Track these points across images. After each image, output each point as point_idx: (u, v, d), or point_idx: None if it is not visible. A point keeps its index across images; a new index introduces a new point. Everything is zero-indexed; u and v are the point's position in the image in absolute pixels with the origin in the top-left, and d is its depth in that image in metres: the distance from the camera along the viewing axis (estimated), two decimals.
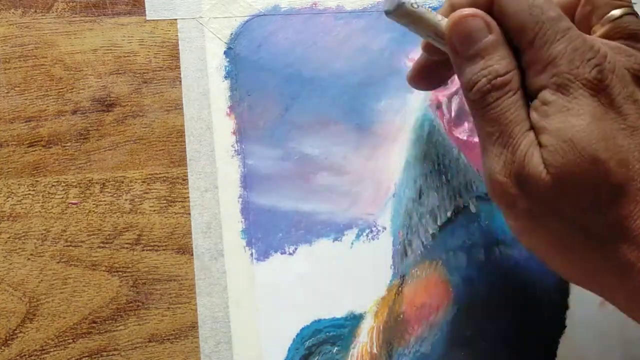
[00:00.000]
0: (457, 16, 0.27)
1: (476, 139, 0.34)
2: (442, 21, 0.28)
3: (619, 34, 0.27)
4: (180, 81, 0.33)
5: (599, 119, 0.24)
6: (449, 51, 0.28)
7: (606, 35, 0.27)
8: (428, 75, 0.32)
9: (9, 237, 0.30)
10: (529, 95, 0.26)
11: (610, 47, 0.26)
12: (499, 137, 0.26)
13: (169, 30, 0.34)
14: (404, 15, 0.28)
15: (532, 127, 0.25)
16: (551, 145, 0.24)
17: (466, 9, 0.27)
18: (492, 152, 0.26)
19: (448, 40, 0.27)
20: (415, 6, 0.28)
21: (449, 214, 0.34)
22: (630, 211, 0.24)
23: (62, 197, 0.31)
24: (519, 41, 0.26)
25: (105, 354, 0.30)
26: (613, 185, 0.24)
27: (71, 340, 0.30)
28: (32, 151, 0.31)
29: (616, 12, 0.27)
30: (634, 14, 0.27)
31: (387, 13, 0.28)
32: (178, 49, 0.33)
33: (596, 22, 0.28)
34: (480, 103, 0.26)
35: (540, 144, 0.25)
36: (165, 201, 0.32)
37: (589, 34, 0.28)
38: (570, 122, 0.24)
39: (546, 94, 0.25)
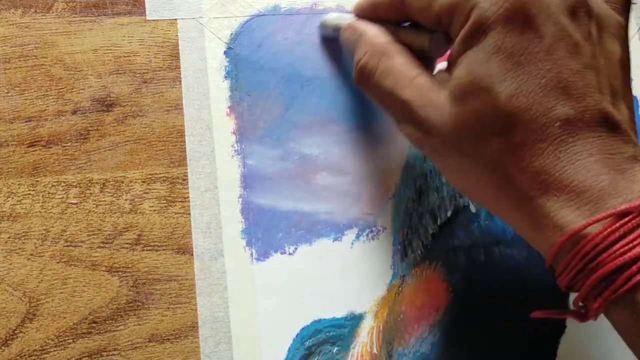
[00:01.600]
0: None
1: None
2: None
3: None
4: (180, 81, 0.33)
5: (507, 51, 0.24)
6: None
7: None
8: None
9: (9, 237, 0.30)
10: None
11: None
12: (392, 98, 0.28)
13: (169, 30, 0.34)
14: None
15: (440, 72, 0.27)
16: (457, 78, 0.25)
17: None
18: (396, 113, 0.28)
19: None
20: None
21: (449, 214, 0.34)
22: (522, 139, 0.24)
23: (62, 197, 0.31)
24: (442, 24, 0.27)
25: (105, 354, 0.30)
26: (504, 114, 0.24)
27: (71, 340, 0.30)
28: (32, 151, 0.31)
29: None
30: None
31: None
32: (178, 49, 0.33)
33: None
34: (367, 81, 0.29)
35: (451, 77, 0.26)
36: (165, 201, 0.32)
37: None
38: (476, 56, 0.25)
39: (463, 41, 0.26)
